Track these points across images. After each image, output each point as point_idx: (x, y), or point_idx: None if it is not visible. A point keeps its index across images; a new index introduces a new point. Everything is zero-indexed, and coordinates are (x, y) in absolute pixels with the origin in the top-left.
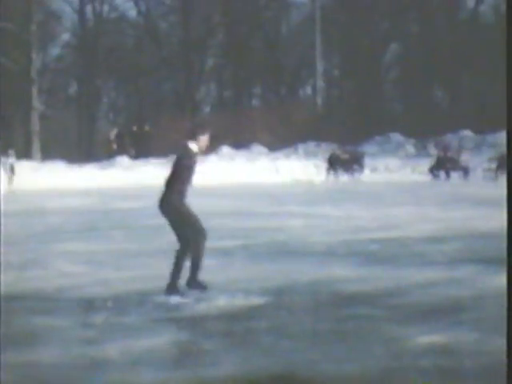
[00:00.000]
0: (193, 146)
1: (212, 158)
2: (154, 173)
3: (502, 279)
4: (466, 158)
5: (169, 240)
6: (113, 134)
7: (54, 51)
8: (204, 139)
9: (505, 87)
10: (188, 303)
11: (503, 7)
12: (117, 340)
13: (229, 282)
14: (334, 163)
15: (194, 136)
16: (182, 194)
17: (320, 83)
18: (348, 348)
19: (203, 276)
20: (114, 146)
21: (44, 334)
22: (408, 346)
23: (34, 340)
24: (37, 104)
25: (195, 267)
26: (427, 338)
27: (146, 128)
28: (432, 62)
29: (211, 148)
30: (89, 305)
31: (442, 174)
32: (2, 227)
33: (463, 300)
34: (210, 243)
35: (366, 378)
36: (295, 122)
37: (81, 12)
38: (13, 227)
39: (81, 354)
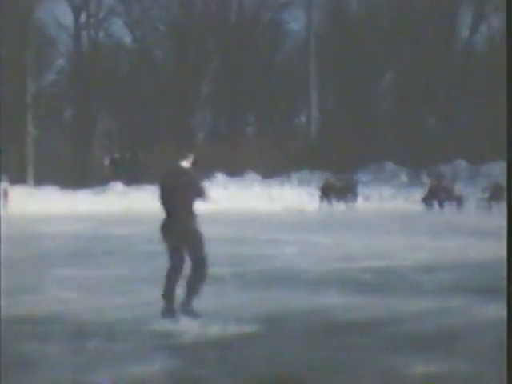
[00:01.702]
0: (184, 163)
1: (205, 185)
2: (147, 199)
3: (495, 309)
4: (459, 187)
5: (161, 266)
6: (107, 160)
7: (49, 77)
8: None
9: (501, 118)
10: (180, 330)
11: (497, 37)
12: (108, 367)
13: (221, 309)
14: (327, 191)
15: (183, 155)
16: (193, 214)
17: (314, 111)
18: (341, 377)
19: (195, 302)
20: (106, 173)
21: (36, 359)
22: (401, 375)
23: (25, 365)
24: (31, 129)
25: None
26: (420, 368)
27: (140, 155)
28: (426, 92)
29: (205, 175)
30: (81, 331)
31: (436, 203)
32: None
33: (456, 330)
34: None
35: None
36: (289, 149)
37: (76, 38)
38: (5, 252)
39: (72, 381)
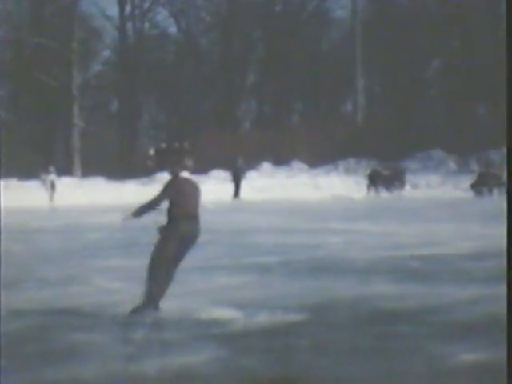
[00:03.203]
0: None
1: (252, 175)
2: None
3: None
4: None
5: (209, 255)
6: (151, 150)
7: (95, 68)
8: (189, 160)
9: None
10: (227, 319)
11: None
12: (155, 356)
13: (268, 298)
14: (374, 179)
15: (180, 161)
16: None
17: (360, 99)
18: (388, 366)
19: (242, 291)
20: (150, 163)
21: (83, 350)
22: (450, 364)
23: (73, 356)
24: (78, 121)
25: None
26: (469, 356)
27: (185, 145)
28: (474, 78)
29: (251, 164)
30: (128, 321)
31: (485, 190)
32: (42, 243)
33: (505, 318)
34: (249, 259)
35: None
36: (336, 138)
37: (121, 29)
38: (53, 243)
39: (120, 371)
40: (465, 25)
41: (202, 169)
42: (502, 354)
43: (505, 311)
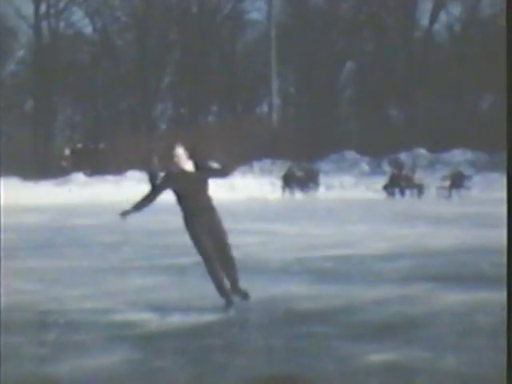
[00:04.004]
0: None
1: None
2: (109, 190)
3: (455, 297)
4: (419, 175)
5: (123, 257)
6: (67, 151)
7: (10, 67)
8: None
9: (461, 107)
10: (141, 321)
11: (457, 27)
12: (69, 358)
13: (182, 299)
14: (289, 181)
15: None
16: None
17: (276, 101)
18: (301, 365)
19: (156, 292)
20: (64, 164)
21: None
22: (360, 363)
23: None
24: None
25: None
26: (379, 356)
27: (101, 145)
28: (387, 81)
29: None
30: (41, 322)
31: (397, 191)
32: None
33: (416, 318)
34: (164, 260)
35: None
36: (251, 139)
37: (36, 28)
38: None
39: (33, 372)
40: (378, 28)
41: (118, 169)
42: (410, 353)
43: (416, 311)
